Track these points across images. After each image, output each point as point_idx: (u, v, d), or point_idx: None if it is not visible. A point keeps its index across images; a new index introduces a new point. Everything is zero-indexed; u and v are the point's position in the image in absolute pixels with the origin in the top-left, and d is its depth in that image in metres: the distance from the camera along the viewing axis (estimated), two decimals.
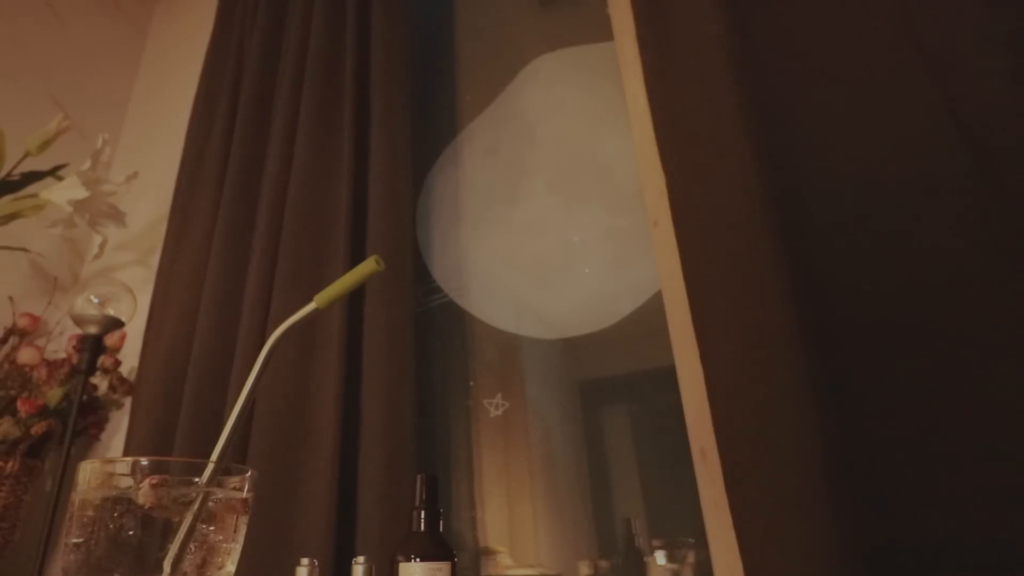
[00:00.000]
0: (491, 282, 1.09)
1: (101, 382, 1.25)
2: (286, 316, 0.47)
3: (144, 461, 0.41)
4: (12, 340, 1.26)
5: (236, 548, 0.42)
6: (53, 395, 1.13)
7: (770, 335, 0.63)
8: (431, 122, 1.26)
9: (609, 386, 0.98)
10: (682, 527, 0.80)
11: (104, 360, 1.22)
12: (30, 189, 1.22)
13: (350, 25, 1.19)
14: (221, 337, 1.04)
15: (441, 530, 0.67)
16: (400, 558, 0.63)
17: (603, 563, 0.85)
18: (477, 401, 1.03)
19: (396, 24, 1.18)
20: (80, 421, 1.15)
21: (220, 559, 0.41)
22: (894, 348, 0.61)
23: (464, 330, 1.09)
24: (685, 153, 0.79)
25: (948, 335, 0.59)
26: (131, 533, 0.39)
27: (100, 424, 1.25)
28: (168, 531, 0.39)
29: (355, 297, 0.95)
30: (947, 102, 0.65)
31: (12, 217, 1.20)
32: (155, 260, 1.29)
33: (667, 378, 0.78)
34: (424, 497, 0.68)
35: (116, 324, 1.19)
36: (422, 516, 0.66)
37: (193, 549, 0.39)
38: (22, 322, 1.28)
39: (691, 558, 0.79)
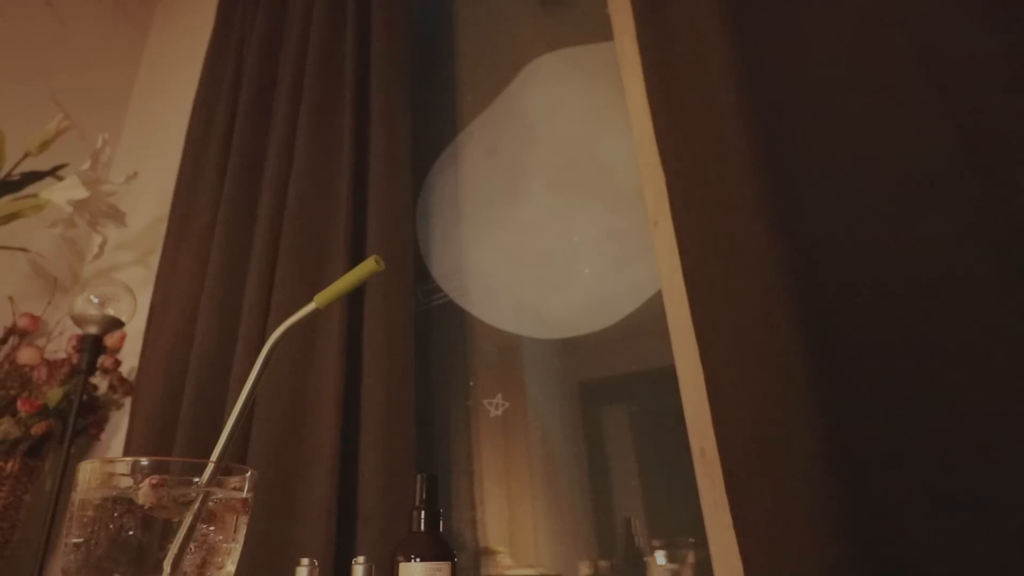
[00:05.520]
0: (491, 282, 1.09)
1: (101, 382, 1.25)
2: (286, 316, 0.47)
3: (144, 461, 0.41)
4: (12, 340, 1.26)
5: (236, 548, 0.42)
6: (53, 395, 1.13)
7: (770, 335, 0.63)
8: (431, 122, 1.26)
9: (609, 386, 0.98)
10: (682, 527, 0.80)
11: (104, 360, 1.22)
12: (30, 189, 1.22)
13: (350, 25, 1.19)
14: (221, 337, 1.04)
15: (441, 530, 0.67)
16: (400, 558, 0.63)
17: (603, 563, 0.85)
18: (477, 401, 1.03)
19: (396, 24, 1.18)
20: (80, 421, 1.15)
21: (220, 559, 0.41)
22: (895, 347, 0.61)
23: (464, 330, 1.09)
24: (685, 153, 0.79)
25: (949, 335, 0.59)
26: (131, 533, 0.38)
27: (100, 424, 1.25)
28: (168, 531, 0.39)
29: (355, 297, 0.95)
30: (948, 101, 0.65)
31: (12, 217, 1.20)
32: (155, 260, 1.29)
33: (667, 378, 0.78)
34: (424, 497, 0.68)
35: (116, 324, 1.19)
36: (422, 516, 0.66)
37: (193, 549, 0.39)
38: (22, 322, 1.28)
39: (691, 558, 0.79)
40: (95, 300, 1.18)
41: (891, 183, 0.66)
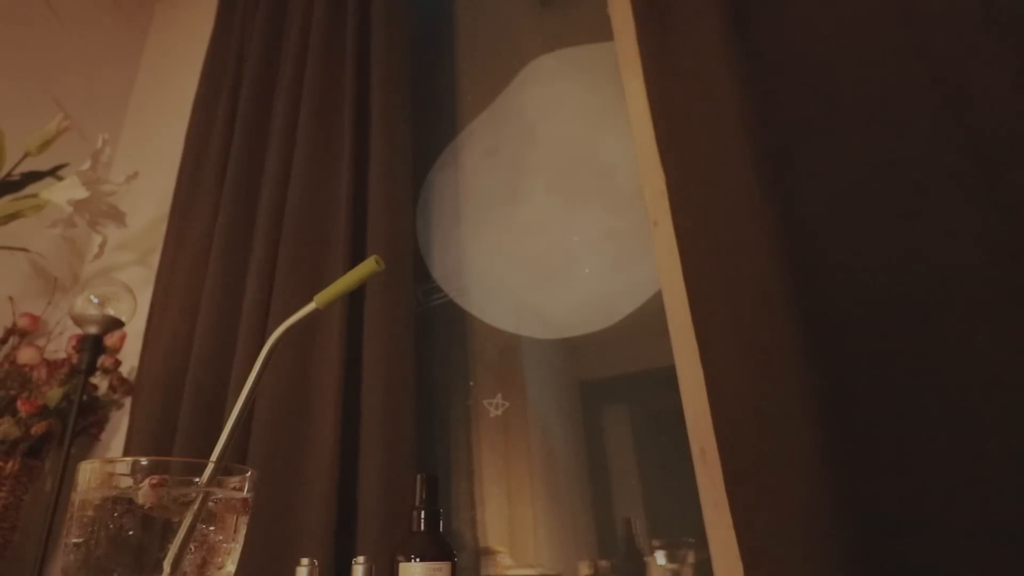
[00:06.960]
0: (491, 282, 1.09)
1: (101, 382, 1.25)
2: (286, 316, 0.47)
3: (144, 461, 0.41)
4: (12, 340, 1.25)
5: (236, 548, 0.42)
6: (53, 395, 1.13)
7: (770, 335, 0.63)
8: (431, 122, 1.26)
9: (609, 386, 0.98)
10: (682, 527, 0.80)
11: (104, 360, 1.22)
12: (30, 189, 1.22)
13: (350, 25, 1.19)
14: (221, 337, 1.04)
15: (441, 530, 0.67)
16: (400, 558, 0.63)
17: (603, 563, 0.85)
18: (477, 401, 1.03)
19: (396, 24, 1.18)
20: (80, 421, 1.15)
21: (220, 559, 0.41)
22: (895, 347, 0.61)
23: (464, 330, 1.09)
24: (685, 153, 0.79)
25: (949, 334, 0.59)
26: (131, 533, 0.38)
27: (100, 424, 1.25)
28: (168, 531, 0.39)
29: (355, 297, 0.95)
30: (949, 100, 0.65)
31: (12, 217, 1.20)
32: (155, 260, 1.29)
33: (667, 378, 0.78)
34: (424, 497, 0.68)
35: (116, 324, 1.19)
36: (422, 516, 0.66)
37: (193, 549, 0.39)
38: (22, 322, 1.28)
39: (691, 558, 0.79)
40: (95, 300, 1.18)
41: (892, 183, 0.66)
